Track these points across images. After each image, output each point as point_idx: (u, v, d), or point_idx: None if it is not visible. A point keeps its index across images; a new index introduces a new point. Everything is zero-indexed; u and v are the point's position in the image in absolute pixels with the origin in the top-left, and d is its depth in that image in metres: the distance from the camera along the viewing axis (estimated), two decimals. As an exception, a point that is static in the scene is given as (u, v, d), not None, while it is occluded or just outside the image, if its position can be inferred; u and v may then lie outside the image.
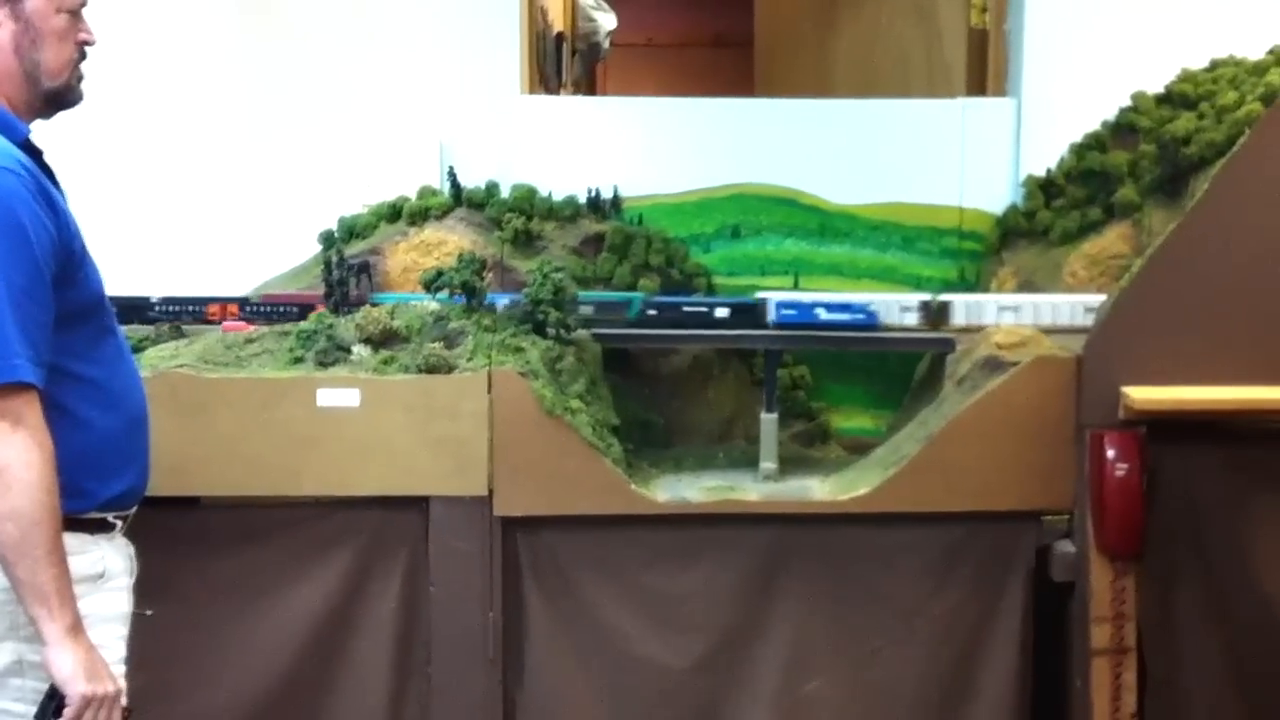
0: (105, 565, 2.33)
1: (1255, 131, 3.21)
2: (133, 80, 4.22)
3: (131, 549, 2.44)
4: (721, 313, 3.66)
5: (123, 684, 2.27)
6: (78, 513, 2.25)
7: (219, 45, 4.29)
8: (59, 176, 2.38)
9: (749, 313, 3.66)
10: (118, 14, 4.09)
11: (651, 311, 3.67)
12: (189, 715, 3.22)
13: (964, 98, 4.40)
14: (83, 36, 2.36)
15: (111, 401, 2.33)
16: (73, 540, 2.20)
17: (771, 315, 3.61)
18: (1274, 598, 3.18)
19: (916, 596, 3.32)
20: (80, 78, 2.37)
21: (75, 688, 2.14)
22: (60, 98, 2.35)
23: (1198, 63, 4.00)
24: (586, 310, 3.64)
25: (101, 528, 2.33)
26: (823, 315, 3.60)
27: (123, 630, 2.37)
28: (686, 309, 3.69)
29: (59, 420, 2.18)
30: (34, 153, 2.29)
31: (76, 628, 2.15)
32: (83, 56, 2.37)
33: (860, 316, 3.60)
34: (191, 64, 4.29)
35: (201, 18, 4.30)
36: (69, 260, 2.22)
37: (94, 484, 2.29)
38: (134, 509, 2.43)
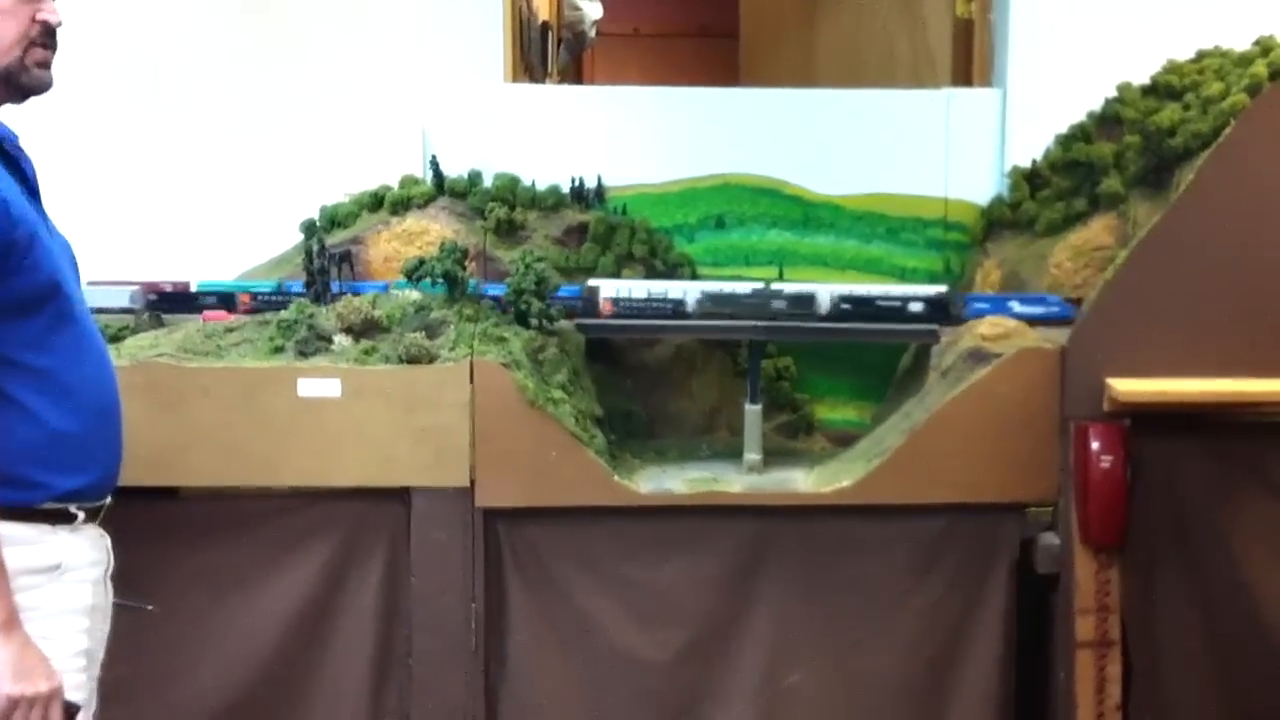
0: (62, 557, 2.25)
1: (1240, 123, 3.20)
2: (115, 67, 4.21)
3: (107, 541, 2.39)
4: (915, 307, 3.59)
5: (62, 680, 2.18)
6: (30, 504, 2.19)
7: (201, 31, 4.26)
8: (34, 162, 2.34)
9: (942, 306, 3.60)
10: (97, 5, 4.09)
11: (845, 306, 3.60)
12: (167, 706, 3.20)
13: (949, 88, 4.40)
14: (43, 16, 2.25)
15: (66, 393, 2.25)
16: (26, 531, 2.16)
17: (964, 309, 3.58)
18: (1255, 587, 3.18)
19: (900, 589, 3.31)
20: (41, 61, 2.27)
21: (0, 689, 2.08)
22: (13, 78, 2.25)
23: (1183, 54, 4.00)
24: (779, 305, 3.60)
25: (62, 519, 2.26)
26: (1016, 308, 3.56)
27: (84, 623, 2.29)
28: (880, 303, 3.61)
29: (4, 411, 2.14)
30: None
31: (8, 624, 2.09)
32: (49, 37, 2.27)
33: (1054, 309, 3.56)
34: (173, 50, 4.26)
35: (182, 6, 4.26)
36: (9, 249, 2.15)
37: (46, 476, 2.22)
38: (105, 501, 2.37)
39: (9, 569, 2.13)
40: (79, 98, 4.02)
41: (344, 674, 3.25)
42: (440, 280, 3.41)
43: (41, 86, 2.29)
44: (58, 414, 2.23)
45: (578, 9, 6.56)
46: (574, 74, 7.16)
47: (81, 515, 2.29)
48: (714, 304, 3.59)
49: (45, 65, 2.29)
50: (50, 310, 2.24)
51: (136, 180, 4.23)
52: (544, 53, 5.75)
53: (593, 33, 6.79)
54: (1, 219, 2.14)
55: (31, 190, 2.32)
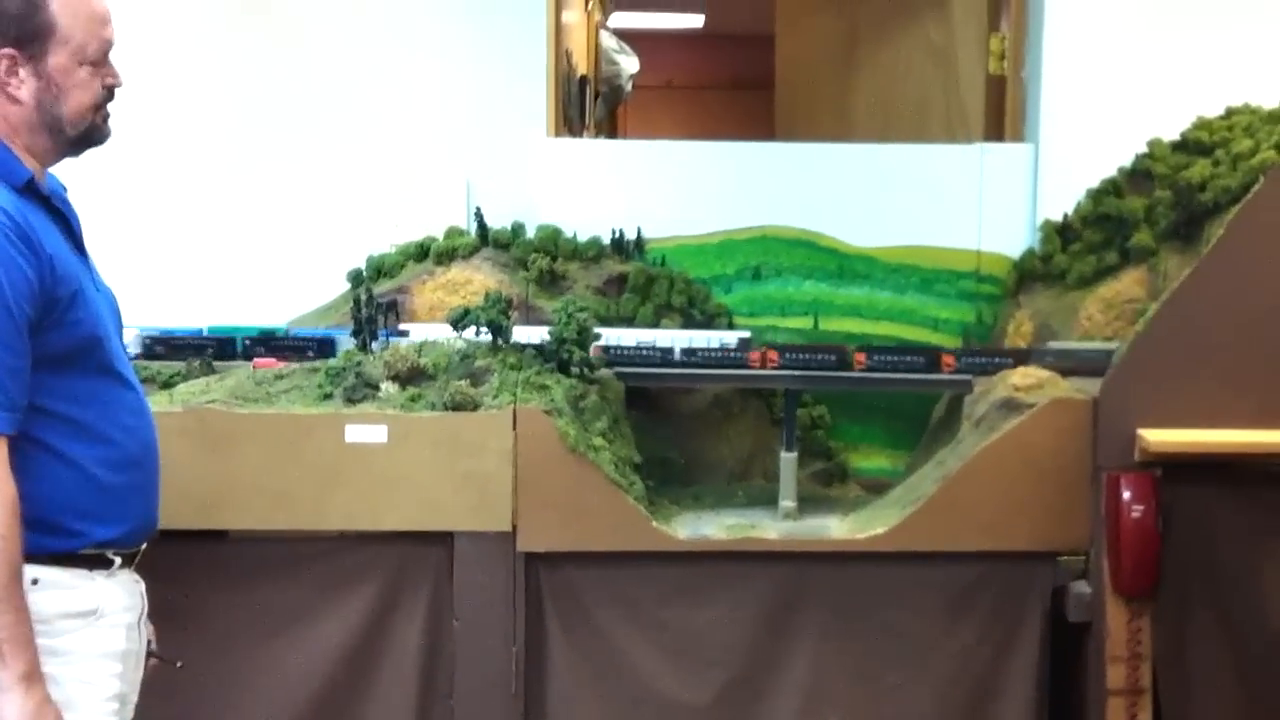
0: (99, 602, 2.28)
1: (1269, 178, 3.24)
2: (166, 120, 4.31)
3: (142, 586, 2.41)
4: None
5: None
6: (69, 551, 2.23)
7: (249, 84, 4.37)
8: (81, 214, 2.40)
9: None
10: (154, 56, 4.19)
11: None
12: (215, 747, 3.26)
13: (982, 143, 4.45)
14: (109, 81, 2.34)
15: (104, 443, 2.29)
16: (64, 575, 2.20)
17: None
18: (1287, 638, 3.20)
19: (932, 635, 3.35)
20: (106, 116, 2.35)
21: None
22: (85, 140, 2.34)
23: (1213, 110, 4.03)
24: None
25: (100, 564, 2.29)
26: None
27: (117, 668, 2.31)
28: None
29: (45, 461, 2.19)
30: (38, 194, 2.27)
31: (30, 677, 2.10)
32: (110, 97, 2.35)
33: None
34: (222, 101, 4.38)
35: (233, 57, 4.38)
36: (52, 305, 2.19)
37: (84, 525, 2.26)
38: (142, 546, 2.40)
39: (48, 614, 2.19)
40: (133, 148, 4.12)
41: (387, 714, 3.30)
42: (485, 329, 3.48)
43: (104, 139, 2.39)
44: (96, 464, 2.27)
45: (615, 63, 6.65)
46: (609, 126, 7.24)
47: (118, 561, 2.33)
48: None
49: (107, 119, 2.38)
50: (90, 363, 2.29)
51: (190, 230, 4.34)
52: (582, 106, 5.84)
53: (629, 86, 6.87)
54: (47, 276, 2.19)
55: (77, 244, 2.37)
